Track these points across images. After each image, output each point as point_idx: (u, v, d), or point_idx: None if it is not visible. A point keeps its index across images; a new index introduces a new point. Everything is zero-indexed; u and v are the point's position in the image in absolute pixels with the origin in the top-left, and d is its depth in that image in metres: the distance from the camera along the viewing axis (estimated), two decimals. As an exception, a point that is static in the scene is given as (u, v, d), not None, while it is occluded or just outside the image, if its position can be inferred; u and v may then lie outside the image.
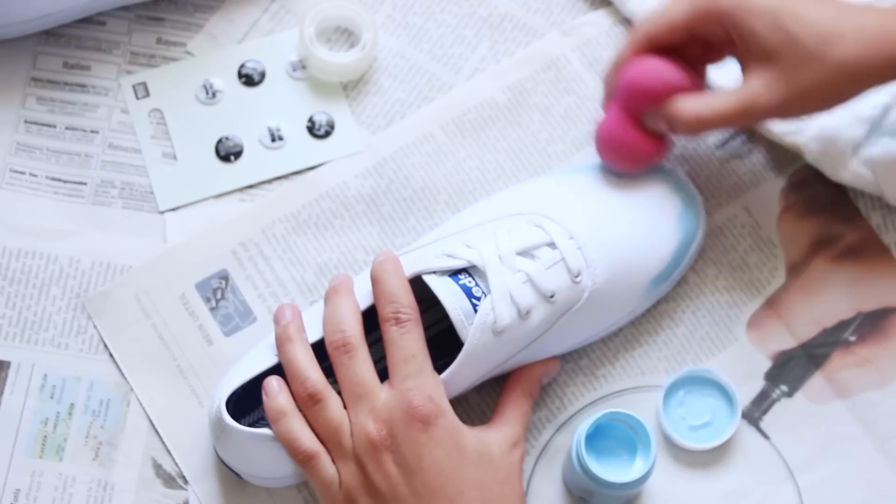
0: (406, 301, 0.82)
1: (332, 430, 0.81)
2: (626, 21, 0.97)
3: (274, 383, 0.83)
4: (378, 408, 0.81)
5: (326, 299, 0.85)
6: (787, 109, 0.83)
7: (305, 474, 0.82)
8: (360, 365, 0.82)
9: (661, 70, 0.86)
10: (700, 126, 0.85)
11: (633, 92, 0.87)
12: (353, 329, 0.83)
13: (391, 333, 0.82)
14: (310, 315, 0.85)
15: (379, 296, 0.83)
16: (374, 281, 0.84)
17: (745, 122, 0.86)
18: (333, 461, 0.81)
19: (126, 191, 0.94)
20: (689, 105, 0.85)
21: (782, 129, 0.94)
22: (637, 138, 0.88)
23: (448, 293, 0.82)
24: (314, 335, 0.84)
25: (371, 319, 0.84)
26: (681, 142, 0.95)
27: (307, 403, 0.82)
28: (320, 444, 0.82)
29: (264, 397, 0.83)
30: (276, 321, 0.85)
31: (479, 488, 0.80)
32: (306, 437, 0.82)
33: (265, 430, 0.82)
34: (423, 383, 0.81)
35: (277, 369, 0.84)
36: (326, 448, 0.82)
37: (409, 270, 0.83)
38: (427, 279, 0.82)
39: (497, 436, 0.83)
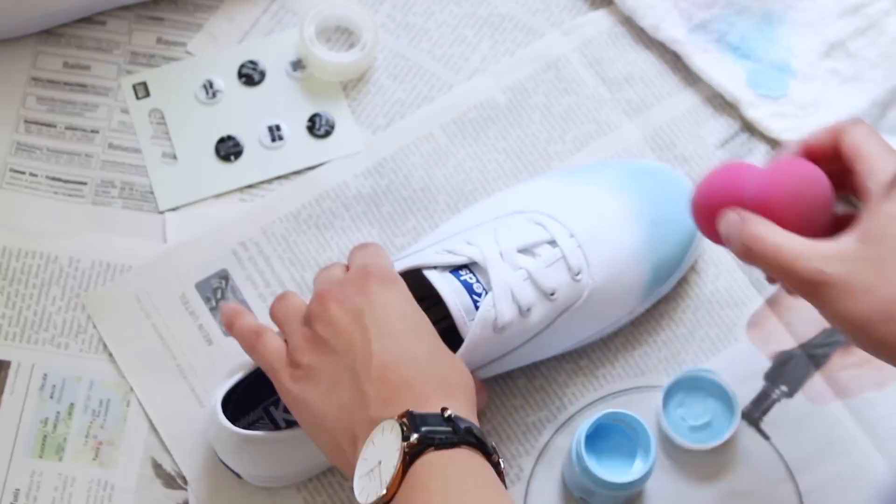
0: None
1: (292, 312, 0.81)
2: (627, 21, 0.98)
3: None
4: (334, 278, 0.81)
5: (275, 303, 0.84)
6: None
7: (255, 360, 0.82)
8: (331, 270, 0.83)
9: (803, 177, 0.77)
10: (746, 256, 0.77)
11: (769, 188, 0.77)
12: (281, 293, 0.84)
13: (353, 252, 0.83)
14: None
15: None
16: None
17: (788, 281, 0.77)
18: (286, 342, 0.81)
19: (126, 191, 0.94)
20: (756, 230, 0.76)
21: (781, 126, 0.94)
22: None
23: (449, 288, 0.82)
24: None
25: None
26: (681, 142, 0.95)
27: (273, 304, 0.82)
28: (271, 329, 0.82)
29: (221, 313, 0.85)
30: (226, 323, 0.85)
31: (429, 336, 0.78)
32: (254, 321, 0.82)
33: (263, 432, 0.82)
34: (382, 262, 0.81)
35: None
36: (282, 331, 0.81)
37: (410, 264, 0.83)
38: (428, 274, 0.82)
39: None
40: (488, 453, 0.74)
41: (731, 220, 0.76)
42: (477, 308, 0.82)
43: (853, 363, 0.90)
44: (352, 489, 0.85)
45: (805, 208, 0.77)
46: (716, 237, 0.79)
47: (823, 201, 0.77)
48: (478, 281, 0.82)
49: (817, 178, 0.77)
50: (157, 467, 0.88)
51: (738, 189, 0.77)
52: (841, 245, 0.74)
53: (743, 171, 0.78)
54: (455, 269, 0.83)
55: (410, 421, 0.72)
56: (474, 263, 0.83)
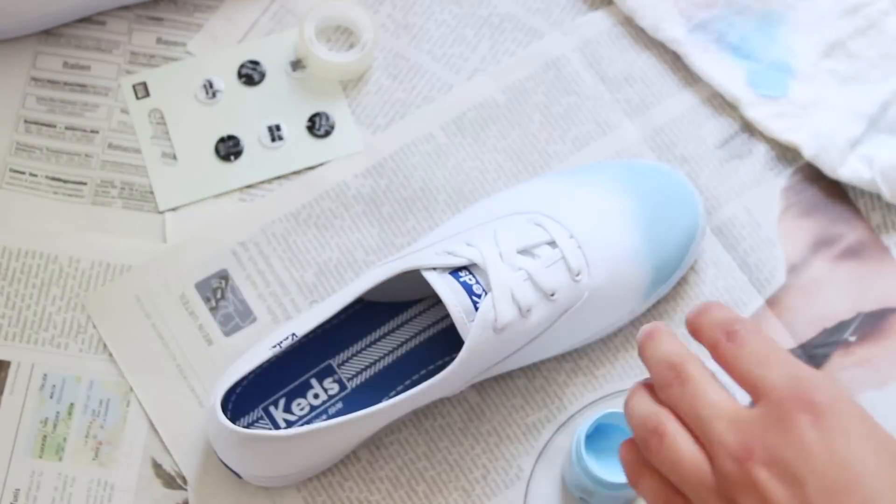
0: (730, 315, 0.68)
1: (687, 472, 0.65)
2: (627, 21, 0.98)
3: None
4: (741, 417, 0.64)
5: (642, 349, 0.71)
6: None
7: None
8: (699, 384, 0.66)
9: None
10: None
11: None
12: (679, 355, 0.68)
13: (725, 350, 0.67)
14: (309, 315, 0.85)
15: (700, 328, 0.70)
16: (695, 329, 0.71)
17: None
18: None
19: (126, 191, 0.94)
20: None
21: (781, 126, 0.94)
22: None
23: (448, 290, 0.81)
24: (303, 328, 0.84)
25: (372, 314, 0.84)
26: (681, 141, 0.95)
27: (647, 445, 0.66)
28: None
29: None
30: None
31: None
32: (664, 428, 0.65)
33: (261, 431, 0.82)
34: (808, 372, 0.63)
35: (272, 366, 0.85)
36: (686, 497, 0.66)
37: (409, 265, 0.83)
38: (427, 276, 0.82)
39: None
40: None
41: None
42: (477, 309, 0.82)
43: (853, 363, 0.90)
44: (351, 489, 0.85)
45: None
46: None
47: None
48: (477, 282, 0.82)
49: None
50: (157, 467, 0.88)
51: None
52: None
53: None
54: (454, 271, 0.83)
55: None
56: (474, 265, 0.83)
